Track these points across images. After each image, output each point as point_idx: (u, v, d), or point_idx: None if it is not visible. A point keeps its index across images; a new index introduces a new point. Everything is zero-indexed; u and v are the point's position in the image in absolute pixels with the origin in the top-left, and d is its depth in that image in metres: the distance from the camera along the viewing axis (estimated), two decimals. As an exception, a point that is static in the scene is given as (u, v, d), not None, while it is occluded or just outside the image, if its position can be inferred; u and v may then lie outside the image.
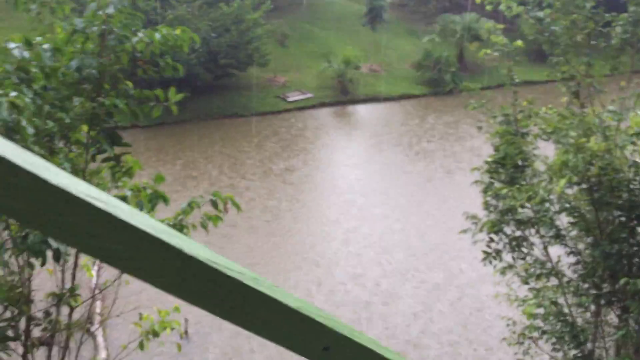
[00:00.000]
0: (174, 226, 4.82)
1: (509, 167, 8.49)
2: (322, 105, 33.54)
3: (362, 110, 34.07)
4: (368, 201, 22.77)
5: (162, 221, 5.05)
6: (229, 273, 0.92)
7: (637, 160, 6.88)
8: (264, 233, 20.30)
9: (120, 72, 4.51)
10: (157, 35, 4.36)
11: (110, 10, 4.17)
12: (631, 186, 7.13)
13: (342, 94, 34.38)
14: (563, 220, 8.51)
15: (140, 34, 4.35)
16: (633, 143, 6.74)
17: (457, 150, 27.72)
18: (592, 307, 8.44)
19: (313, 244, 19.78)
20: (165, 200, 4.79)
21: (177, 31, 4.43)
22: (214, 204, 4.97)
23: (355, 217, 21.54)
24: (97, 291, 6.34)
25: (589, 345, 8.36)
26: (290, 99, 33.18)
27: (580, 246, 8.18)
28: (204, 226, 4.99)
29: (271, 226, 20.90)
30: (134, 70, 4.59)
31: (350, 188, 23.92)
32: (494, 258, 8.69)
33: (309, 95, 33.84)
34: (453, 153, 27.46)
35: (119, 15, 4.32)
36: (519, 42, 9.10)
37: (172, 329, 6.11)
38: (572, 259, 8.37)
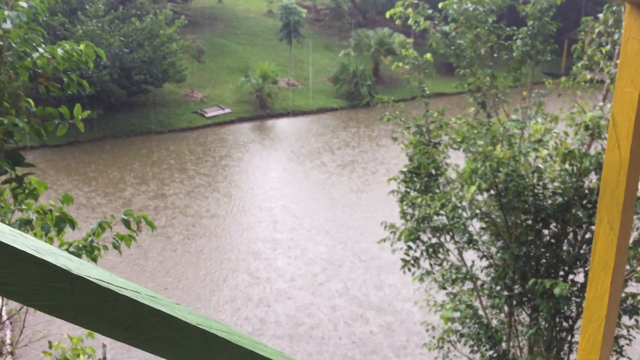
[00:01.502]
0: (84, 248, 4.63)
1: (423, 176, 8.78)
2: (241, 120, 33.37)
3: (282, 124, 34.17)
4: (288, 214, 22.79)
5: (71, 244, 4.84)
6: (123, 292, 0.89)
7: (540, 165, 7.30)
8: (181, 251, 19.85)
9: (21, 89, 4.31)
10: (60, 51, 4.20)
11: (8, 25, 3.98)
12: (535, 191, 7.54)
13: (261, 109, 34.36)
14: (475, 226, 8.87)
15: (40, 50, 4.17)
16: (535, 149, 7.13)
17: (376, 161, 28.31)
18: (506, 308, 8.82)
19: (233, 259, 19.54)
20: (73, 223, 4.60)
21: (82, 46, 4.29)
22: (127, 224, 4.82)
23: (277, 230, 21.49)
24: (4, 319, 5.99)
25: (504, 344, 8.72)
26: (208, 115, 32.79)
27: (492, 250, 8.54)
28: (116, 247, 4.82)
29: (189, 243, 20.48)
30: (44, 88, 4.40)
31: (270, 201, 23.86)
32: (413, 265, 8.93)
33: (228, 110, 33.59)
34: (372, 164, 28.02)
35: (18, 31, 4.13)
36: (428, 56, 9.45)
37: (89, 356, 5.84)
38: (485, 263, 8.72)
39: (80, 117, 4.23)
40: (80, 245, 4.67)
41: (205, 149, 29.55)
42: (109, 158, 27.50)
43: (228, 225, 22.21)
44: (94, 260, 4.76)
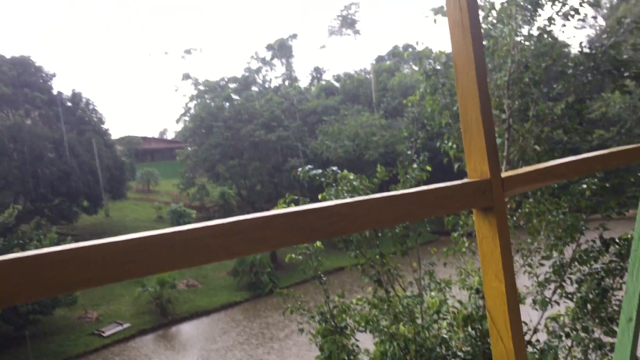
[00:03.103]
0: None
1: (336, 365, 8.58)
2: (143, 333, 31.65)
3: (186, 329, 32.74)
4: None
5: None
6: None
7: (444, 335, 7.43)
8: None
9: None
10: None
11: None
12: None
13: (163, 316, 32.97)
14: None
15: None
16: (435, 321, 7.30)
17: (288, 352, 27.42)
18: None
19: None
20: None
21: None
22: None
23: None
24: None
25: None
26: (106, 334, 30.86)
27: None
28: None
29: None
30: None
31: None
32: None
33: (127, 325, 31.88)
34: (283, 356, 27.08)
35: None
36: (318, 244, 9.76)
37: None
38: None
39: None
40: None
41: (106, 373, 27.35)
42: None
43: None
44: None
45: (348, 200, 1.55)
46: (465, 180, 1.99)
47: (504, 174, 2.05)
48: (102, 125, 47.81)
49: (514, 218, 8.55)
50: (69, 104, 46.11)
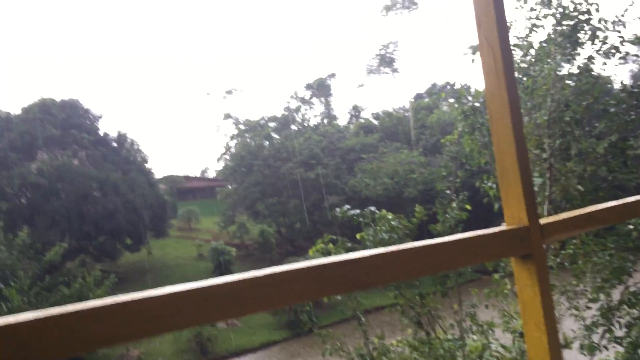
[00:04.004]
0: None
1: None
2: (183, 371, 31.69)
3: (226, 368, 32.63)
4: None
5: None
6: None
7: (488, 381, 7.21)
8: None
9: None
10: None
11: None
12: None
13: (203, 355, 32.97)
14: None
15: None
16: (479, 366, 7.11)
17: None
18: None
19: None
20: None
21: None
22: None
23: None
24: None
25: None
26: (146, 372, 30.99)
27: None
28: None
29: None
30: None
31: None
32: None
33: (167, 364, 31.99)
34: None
35: None
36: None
37: None
38: None
39: None
40: None
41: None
42: None
43: None
44: None
45: (383, 250, 1.56)
46: (502, 227, 1.98)
47: (543, 220, 2.03)
48: (145, 165, 49.01)
49: (558, 259, 8.33)
50: (115, 144, 47.53)
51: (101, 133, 46.94)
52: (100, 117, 47.54)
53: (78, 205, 40.47)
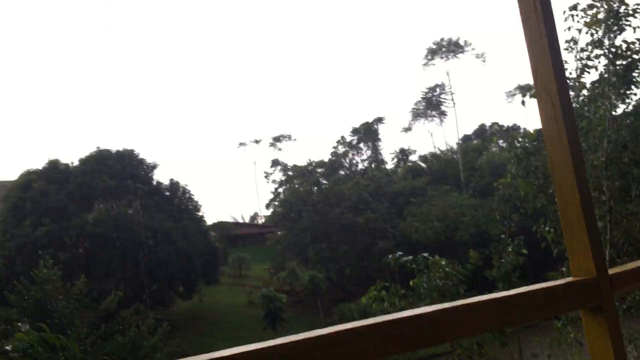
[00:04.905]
0: None
1: None
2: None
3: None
4: None
5: None
6: None
7: None
8: None
9: None
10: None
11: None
12: None
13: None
14: None
15: None
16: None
17: None
18: None
19: None
20: None
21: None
22: None
23: None
24: None
25: None
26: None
27: None
28: None
29: None
30: None
31: None
32: None
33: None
34: None
35: None
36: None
37: None
38: None
39: None
40: None
41: None
42: None
43: None
44: None
45: (447, 305, 1.52)
46: (569, 279, 1.91)
47: (611, 271, 1.95)
48: (197, 212, 49.87)
49: (624, 305, 7.95)
50: (167, 192, 48.68)
51: (154, 182, 48.22)
52: (154, 167, 48.94)
53: (133, 254, 41.34)
